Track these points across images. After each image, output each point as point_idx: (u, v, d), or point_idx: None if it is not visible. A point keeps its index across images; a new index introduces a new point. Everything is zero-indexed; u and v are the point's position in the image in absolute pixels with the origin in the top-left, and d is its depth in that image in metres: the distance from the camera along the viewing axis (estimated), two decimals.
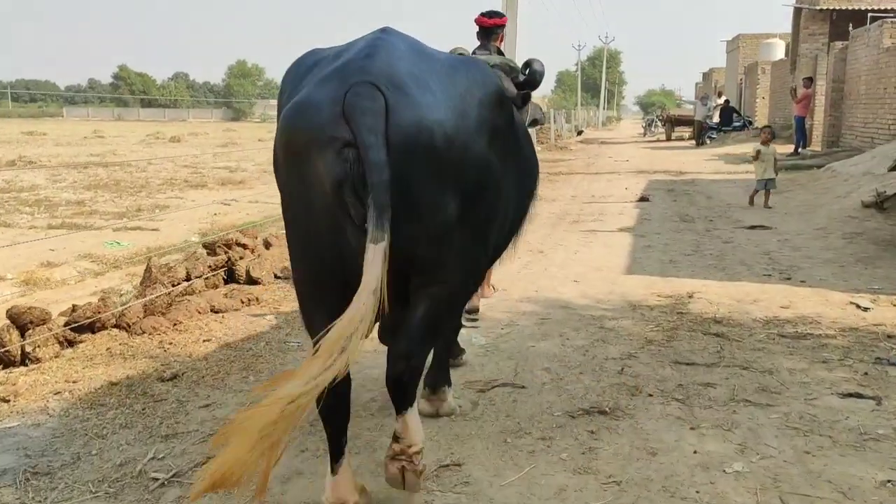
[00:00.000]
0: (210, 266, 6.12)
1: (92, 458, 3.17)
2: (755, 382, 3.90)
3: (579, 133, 37.82)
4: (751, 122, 27.79)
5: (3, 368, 4.36)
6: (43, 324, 4.59)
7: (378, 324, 2.73)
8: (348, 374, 2.38)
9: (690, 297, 5.79)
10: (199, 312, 5.29)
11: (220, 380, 4.06)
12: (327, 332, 2.08)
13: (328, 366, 2.05)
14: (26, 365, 4.38)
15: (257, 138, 32.31)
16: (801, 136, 19.65)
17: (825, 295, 5.76)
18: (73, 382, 4.03)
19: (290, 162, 2.44)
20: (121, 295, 5.63)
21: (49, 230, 9.27)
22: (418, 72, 2.43)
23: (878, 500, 2.76)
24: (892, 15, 18.35)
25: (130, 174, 17.43)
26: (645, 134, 37.55)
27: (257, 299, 5.74)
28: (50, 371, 4.23)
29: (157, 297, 5.23)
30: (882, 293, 5.76)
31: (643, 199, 12.14)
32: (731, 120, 27.07)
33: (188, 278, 5.85)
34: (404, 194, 2.27)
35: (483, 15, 4.17)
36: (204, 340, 4.74)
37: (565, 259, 7.38)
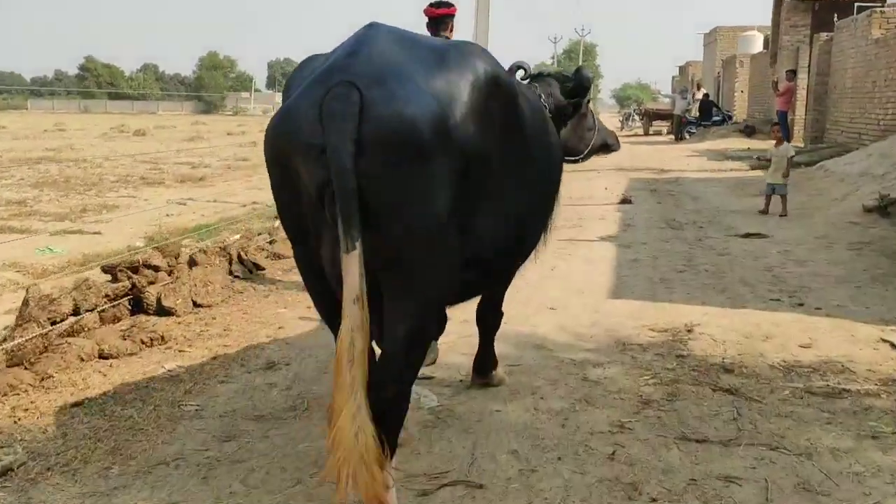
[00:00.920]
0: (107, 295, 5.02)
1: None
2: (791, 474, 2.92)
3: None
4: (730, 117, 27.08)
5: None
6: None
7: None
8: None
9: (689, 331, 4.82)
10: (82, 360, 4.21)
11: (70, 474, 2.98)
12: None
13: (347, 382, 2.20)
14: None
15: (226, 132, 31.23)
16: (785, 131, 18.85)
17: (849, 328, 4.81)
18: None
19: (276, 169, 2.46)
20: None
21: None
22: (402, 63, 2.38)
23: None
24: (880, 4, 17.62)
25: (84, 170, 16.41)
26: (622, 128, 36.75)
27: (162, 338, 4.66)
28: None
29: (26, 342, 4.14)
30: None
31: (625, 200, 11.20)
32: (710, 114, 26.31)
33: (76, 312, 4.75)
34: (388, 190, 2.24)
35: (431, 5, 4.00)
36: (73, 404, 3.65)
37: (540, 278, 6.35)
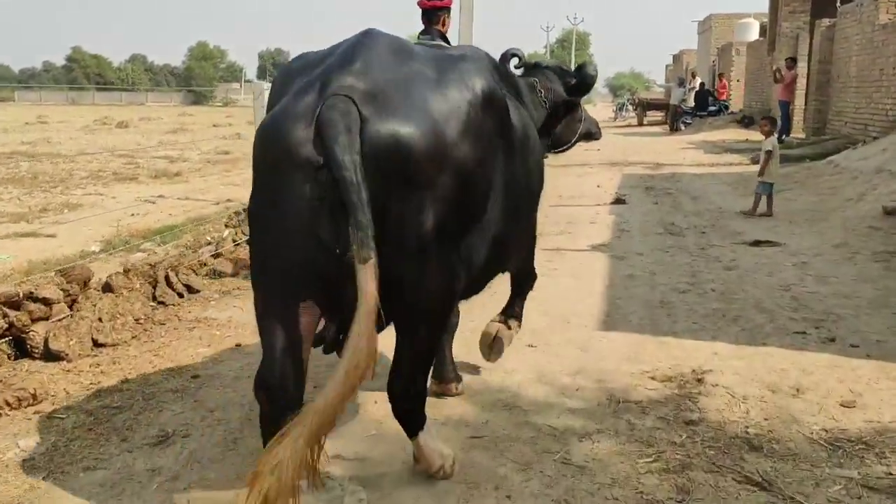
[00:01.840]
0: None
1: None
2: None
3: None
4: (727, 107, 26.14)
5: None
6: None
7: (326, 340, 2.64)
8: None
9: (699, 379, 3.86)
10: None
11: None
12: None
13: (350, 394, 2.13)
14: None
15: (212, 123, 30.25)
16: (787, 122, 17.94)
17: None
18: None
19: (265, 176, 2.35)
20: None
21: None
22: (398, 77, 2.35)
23: None
24: None
25: (56, 165, 15.64)
26: (616, 118, 35.84)
27: (34, 396, 3.66)
28: None
29: None
30: None
31: (619, 200, 10.25)
32: (706, 104, 25.35)
33: None
34: (381, 210, 2.19)
35: None
36: None
37: None
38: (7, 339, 4.21)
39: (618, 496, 2.75)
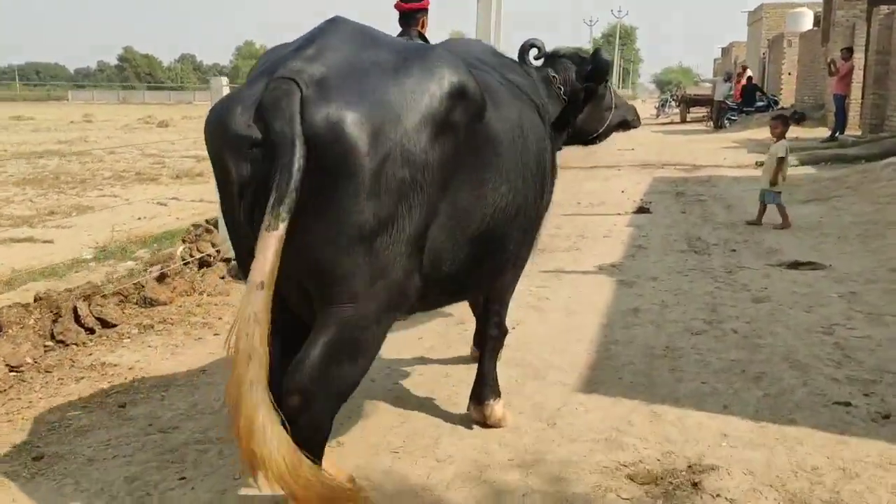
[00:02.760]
0: None
1: None
2: None
3: None
4: (776, 102, 24.48)
5: None
6: None
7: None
8: None
9: (696, 483, 2.79)
10: None
11: None
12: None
13: (247, 380, 2.02)
14: None
15: None
16: (842, 118, 16.43)
17: None
18: None
19: (214, 163, 2.33)
20: None
21: None
22: (353, 63, 2.28)
23: None
24: None
25: (83, 165, 15.69)
26: (658, 115, 34.32)
27: None
28: None
29: None
30: None
31: (642, 209, 9.09)
32: (753, 99, 23.72)
33: None
34: (313, 193, 2.12)
35: (402, 0, 3.67)
36: None
37: None
38: None
39: None
